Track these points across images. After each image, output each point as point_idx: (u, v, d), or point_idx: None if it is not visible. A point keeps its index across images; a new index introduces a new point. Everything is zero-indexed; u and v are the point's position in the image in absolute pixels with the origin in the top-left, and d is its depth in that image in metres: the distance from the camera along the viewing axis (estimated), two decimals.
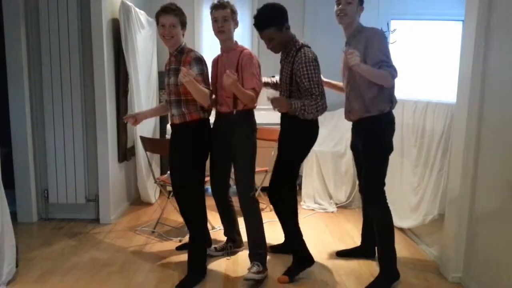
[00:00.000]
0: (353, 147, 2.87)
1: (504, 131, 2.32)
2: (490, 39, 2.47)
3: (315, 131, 2.72)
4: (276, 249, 3.14)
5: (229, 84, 2.44)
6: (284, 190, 2.73)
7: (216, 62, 2.88)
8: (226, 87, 2.55)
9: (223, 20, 2.65)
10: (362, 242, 3.11)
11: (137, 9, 3.98)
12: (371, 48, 2.44)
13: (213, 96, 2.79)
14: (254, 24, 2.60)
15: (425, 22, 5.26)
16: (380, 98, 2.52)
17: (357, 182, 3.06)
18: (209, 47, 4.95)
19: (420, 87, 5.08)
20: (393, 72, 2.41)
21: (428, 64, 5.21)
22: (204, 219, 2.83)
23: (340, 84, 2.85)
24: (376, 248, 2.98)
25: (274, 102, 2.53)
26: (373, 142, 2.59)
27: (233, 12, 2.69)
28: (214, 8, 2.68)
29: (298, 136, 2.67)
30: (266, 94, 2.80)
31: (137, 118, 2.92)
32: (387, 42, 2.51)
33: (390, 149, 2.62)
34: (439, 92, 4.87)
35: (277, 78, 2.94)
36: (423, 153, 3.19)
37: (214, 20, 2.68)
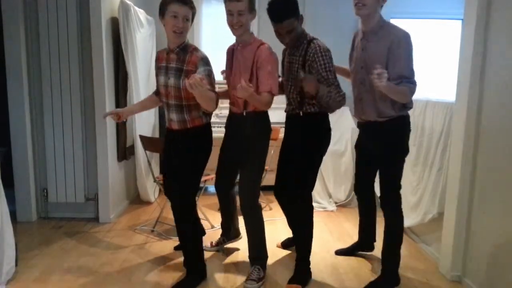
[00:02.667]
0: (359, 146, 2.81)
1: (503, 129, 2.32)
2: (490, 38, 2.47)
3: (327, 127, 2.61)
4: (286, 244, 3.18)
5: (245, 97, 2.29)
6: (300, 205, 2.64)
7: (231, 53, 2.68)
8: (238, 96, 2.35)
9: (238, 15, 2.41)
10: (359, 238, 3.10)
11: (136, 8, 3.97)
12: (396, 57, 2.28)
13: (223, 89, 2.67)
14: (272, 17, 2.41)
15: (424, 21, 5.26)
16: (395, 105, 2.43)
17: (354, 182, 3.02)
18: (209, 44, 4.90)
19: (420, 86, 5.07)
20: (412, 89, 2.32)
21: (427, 63, 5.20)
22: (198, 220, 2.76)
23: (345, 68, 2.74)
24: (374, 243, 2.99)
25: (305, 80, 2.35)
26: (390, 145, 2.50)
27: (251, 4, 2.43)
28: None
29: (312, 135, 2.55)
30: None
31: (121, 115, 2.68)
32: (412, 50, 2.33)
33: (407, 151, 2.55)
34: (439, 91, 4.87)
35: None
36: (422, 152, 3.19)
37: (229, 13, 2.44)
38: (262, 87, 2.45)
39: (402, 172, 2.57)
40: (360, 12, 2.37)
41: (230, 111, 2.75)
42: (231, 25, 2.47)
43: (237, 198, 3.00)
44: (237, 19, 2.43)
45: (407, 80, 2.30)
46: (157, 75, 2.57)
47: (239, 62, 2.58)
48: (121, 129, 3.91)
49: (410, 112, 3.35)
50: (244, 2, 2.40)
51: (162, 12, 2.34)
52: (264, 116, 2.62)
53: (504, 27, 2.34)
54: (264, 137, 2.64)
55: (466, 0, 2.60)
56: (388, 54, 2.31)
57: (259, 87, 2.45)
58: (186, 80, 2.12)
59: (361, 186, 2.93)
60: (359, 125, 2.75)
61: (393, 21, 5.10)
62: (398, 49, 2.30)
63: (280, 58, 2.66)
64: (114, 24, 3.76)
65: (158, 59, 2.56)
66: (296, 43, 2.52)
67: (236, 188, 2.87)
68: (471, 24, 2.53)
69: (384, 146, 2.52)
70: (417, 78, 2.38)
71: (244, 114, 2.58)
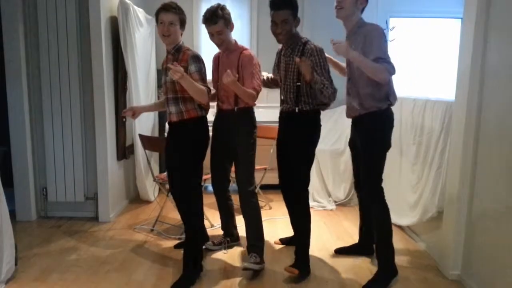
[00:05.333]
0: (352, 144, 2.87)
1: (502, 128, 2.32)
2: (489, 37, 2.47)
3: (319, 124, 2.75)
4: (286, 241, 3.22)
5: (228, 83, 2.51)
6: (300, 196, 2.75)
7: (217, 59, 2.92)
8: (226, 86, 2.60)
9: (218, 34, 2.70)
10: (360, 239, 3.12)
11: (135, 7, 3.97)
12: (368, 44, 2.42)
13: (213, 91, 2.83)
14: (271, 4, 2.58)
15: (424, 20, 5.26)
16: (376, 95, 2.51)
17: (354, 180, 3.04)
18: (208, 46, 4.91)
19: (419, 85, 5.08)
20: (389, 68, 2.39)
21: (427, 62, 5.21)
22: (202, 217, 2.82)
23: (342, 64, 2.87)
24: (374, 246, 2.99)
25: (302, 62, 2.48)
26: (370, 139, 2.59)
27: (226, 21, 2.69)
28: (206, 23, 2.69)
29: (304, 129, 2.70)
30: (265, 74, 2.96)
31: (135, 111, 2.95)
32: (385, 39, 2.50)
33: (387, 146, 2.62)
34: (438, 90, 4.87)
35: (268, 75, 3.00)
36: (421, 150, 3.19)
37: (210, 35, 2.73)
38: (247, 86, 2.69)
39: (383, 167, 2.63)
40: (338, 14, 2.53)
41: (219, 110, 2.92)
42: (215, 43, 2.77)
43: (235, 198, 3.02)
44: (218, 38, 2.72)
45: (383, 60, 2.39)
46: (162, 77, 2.77)
47: (225, 65, 2.79)
48: (121, 128, 3.91)
49: (409, 110, 3.39)
50: (219, 23, 2.66)
51: (156, 21, 2.63)
52: (252, 112, 2.87)
53: (504, 25, 2.34)
54: (254, 130, 2.86)
55: None
56: (363, 46, 2.44)
57: (244, 86, 2.68)
58: (169, 72, 2.40)
59: (359, 184, 2.93)
60: (351, 123, 2.81)
61: (392, 20, 5.15)
62: (371, 37, 2.43)
63: (272, 60, 2.93)
64: (114, 23, 3.75)
65: (162, 64, 2.78)
66: (291, 42, 2.66)
67: (232, 187, 2.99)
68: (471, 23, 2.53)
69: (365, 139, 2.61)
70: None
71: (235, 110, 2.78)
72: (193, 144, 2.65)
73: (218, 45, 2.77)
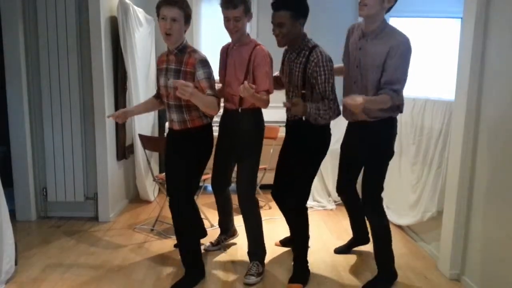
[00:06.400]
0: (345, 147, 2.78)
1: (502, 128, 2.32)
2: (489, 36, 2.47)
3: (328, 136, 2.60)
4: (285, 242, 3.18)
5: (248, 97, 2.35)
6: (297, 210, 2.64)
7: (225, 52, 2.73)
8: (233, 84, 2.41)
9: (235, 21, 2.48)
10: (354, 233, 3.10)
11: (135, 7, 3.97)
12: (391, 63, 2.28)
13: (219, 86, 2.68)
14: (272, 3, 2.41)
15: (424, 20, 5.26)
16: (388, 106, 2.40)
17: (336, 184, 2.96)
18: (208, 44, 4.92)
19: (419, 85, 5.08)
20: (393, 97, 2.28)
21: (426, 62, 5.21)
22: (201, 221, 2.77)
23: (339, 66, 2.70)
24: (369, 235, 2.98)
25: (293, 106, 2.35)
26: (376, 147, 2.49)
27: (246, 8, 2.48)
28: (225, 6, 2.47)
29: (312, 143, 2.54)
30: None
31: (124, 116, 2.69)
32: (409, 56, 2.32)
33: (392, 154, 2.54)
34: (438, 90, 4.87)
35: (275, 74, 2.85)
36: (421, 150, 3.19)
37: (226, 20, 2.52)
38: (260, 87, 2.50)
39: (385, 175, 2.55)
40: (361, 12, 2.37)
41: (224, 108, 2.78)
42: (229, 30, 2.54)
43: (233, 198, 3.01)
44: (234, 25, 2.50)
45: (390, 88, 2.29)
46: (157, 77, 2.60)
47: (234, 60, 2.62)
48: (121, 128, 3.91)
49: (409, 110, 3.39)
50: (239, 8, 2.45)
51: (157, 15, 2.39)
52: (259, 112, 2.69)
53: (503, 25, 2.34)
54: (260, 132, 2.71)
55: None
56: (385, 58, 2.32)
57: (257, 86, 2.49)
58: (177, 92, 2.16)
59: (344, 187, 2.90)
60: (348, 124, 2.72)
61: (392, 20, 5.13)
62: (395, 55, 2.29)
63: (280, 58, 2.69)
64: (113, 23, 3.75)
65: (158, 62, 2.60)
66: (294, 48, 2.51)
67: (232, 187, 2.90)
68: (471, 23, 2.53)
69: (370, 148, 2.50)
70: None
71: (239, 110, 2.64)
72: (197, 153, 2.53)
73: (232, 33, 2.54)
